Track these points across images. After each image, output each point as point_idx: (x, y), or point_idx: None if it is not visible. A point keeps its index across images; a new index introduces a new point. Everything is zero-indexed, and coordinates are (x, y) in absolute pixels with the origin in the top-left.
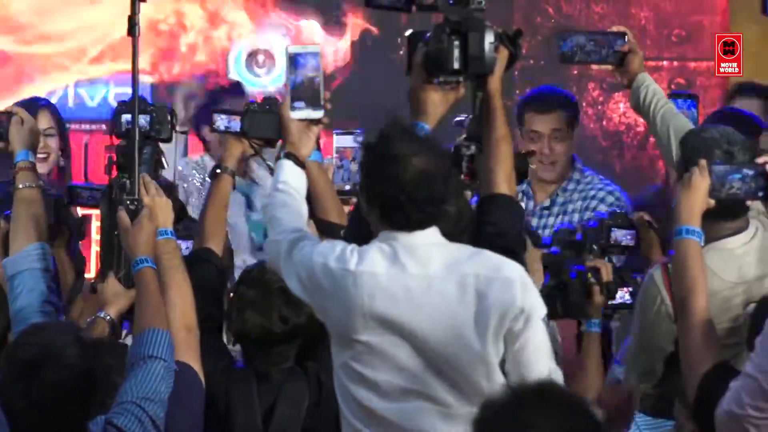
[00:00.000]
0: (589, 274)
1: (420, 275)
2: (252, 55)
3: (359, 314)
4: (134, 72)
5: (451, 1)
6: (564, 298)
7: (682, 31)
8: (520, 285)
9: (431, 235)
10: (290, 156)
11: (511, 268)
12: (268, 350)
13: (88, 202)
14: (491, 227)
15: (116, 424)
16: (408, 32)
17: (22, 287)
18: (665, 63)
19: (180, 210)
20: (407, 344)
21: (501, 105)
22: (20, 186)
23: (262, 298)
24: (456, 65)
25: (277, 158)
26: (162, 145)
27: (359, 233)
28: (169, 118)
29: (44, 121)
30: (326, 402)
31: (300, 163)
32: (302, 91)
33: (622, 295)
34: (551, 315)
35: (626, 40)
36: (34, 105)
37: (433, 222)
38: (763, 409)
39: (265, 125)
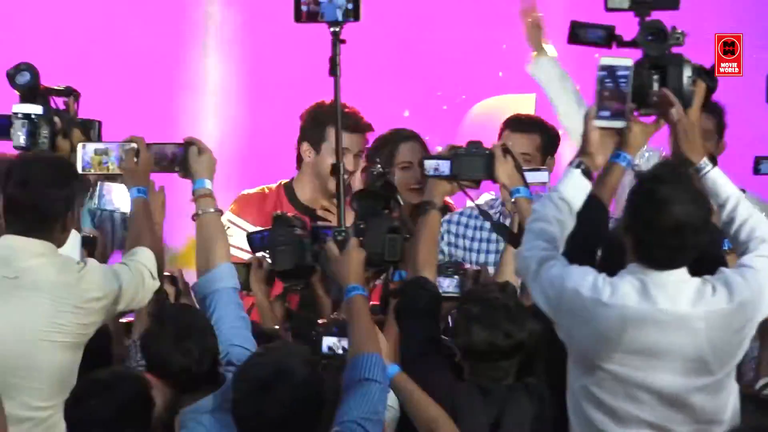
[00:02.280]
0: None
1: (669, 311)
2: None
3: (608, 344)
4: (337, 108)
5: (649, 37)
6: None
7: None
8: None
9: (681, 273)
10: (581, 165)
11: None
12: (493, 365)
13: None
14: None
15: None
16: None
17: (214, 306)
18: None
19: None
20: (650, 377)
21: (700, 136)
22: (200, 212)
23: (487, 314)
24: (656, 99)
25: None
26: None
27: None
28: None
29: None
30: (548, 418)
31: (589, 175)
32: (609, 101)
33: None
34: None
35: None
36: None
37: (686, 263)
38: None
39: (472, 167)
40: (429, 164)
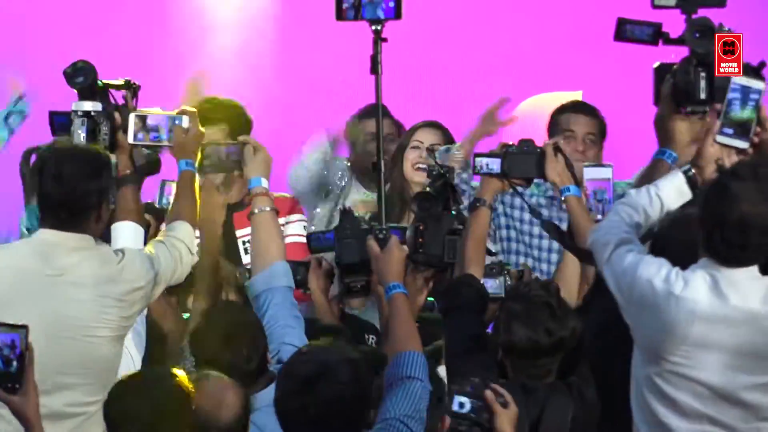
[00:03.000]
0: None
1: (740, 307)
2: None
3: (676, 336)
4: (378, 107)
5: (696, 34)
6: None
7: None
8: None
9: (752, 270)
10: (690, 172)
11: None
12: (534, 362)
13: None
14: None
15: None
16: (655, 64)
17: (268, 304)
18: None
19: None
20: (715, 371)
21: None
22: (256, 211)
23: (528, 311)
24: (703, 95)
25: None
26: None
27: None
28: None
29: None
30: (588, 416)
31: (693, 185)
32: (735, 120)
33: None
34: None
35: None
36: None
37: (753, 262)
38: None
39: (524, 165)
40: (480, 161)
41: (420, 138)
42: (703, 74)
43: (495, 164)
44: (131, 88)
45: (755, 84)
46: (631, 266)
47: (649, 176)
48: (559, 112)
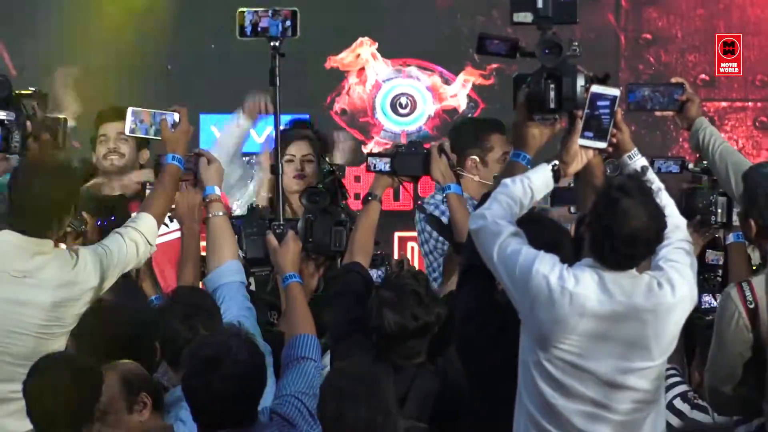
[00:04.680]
0: None
1: (625, 303)
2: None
3: (567, 328)
4: (276, 115)
5: (546, 51)
6: None
7: (765, 77)
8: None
9: (631, 271)
10: (555, 167)
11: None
12: (403, 344)
13: None
14: None
15: (280, 413)
16: (514, 74)
17: (223, 298)
18: (750, 104)
19: None
20: (602, 360)
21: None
22: (210, 215)
23: (398, 298)
24: (552, 105)
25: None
26: None
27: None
28: None
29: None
30: (452, 394)
31: (557, 178)
32: (593, 124)
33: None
34: None
35: (684, 89)
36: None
37: (633, 268)
38: None
39: (411, 164)
40: (372, 161)
41: (292, 152)
42: (552, 86)
43: (386, 163)
44: (39, 97)
45: (610, 91)
46: (526, 260)
47: (505, 177)
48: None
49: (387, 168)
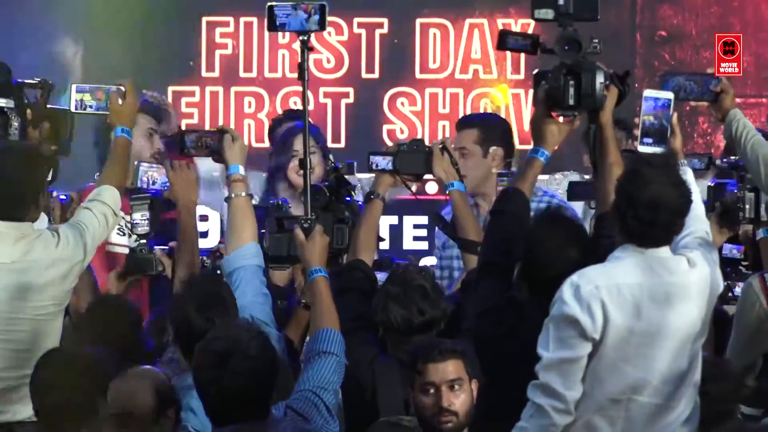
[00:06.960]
0: None
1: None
2: None
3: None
4: (305, 110)
5: (566, 47)
6: None
7: None
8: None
9: (666, 249)
10: None
11: None
12: (409, 339)
13: None
14: (607, 240)
15: (295, 408)
16: (534, 71)
17: (239, 281)
18: (764, 100)
19: None
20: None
21: (612, 135)
22: (233, 195)
23: (404, 293)
24: (571, 102)
25: None
26: None
27: None
28: None
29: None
30: None
31: None
32: (651, 129)
33: None
34: None
35: (720, 80)
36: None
37: (663, 242)
38: None
39: (413, 163)
40: (374, 159)
41: (296, 147)
42: (571, 82)
43: (388, 161)
44: (45, 87)
45: (662, 94)
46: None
47: (524, 172)
48: None
49: (389, 166)
